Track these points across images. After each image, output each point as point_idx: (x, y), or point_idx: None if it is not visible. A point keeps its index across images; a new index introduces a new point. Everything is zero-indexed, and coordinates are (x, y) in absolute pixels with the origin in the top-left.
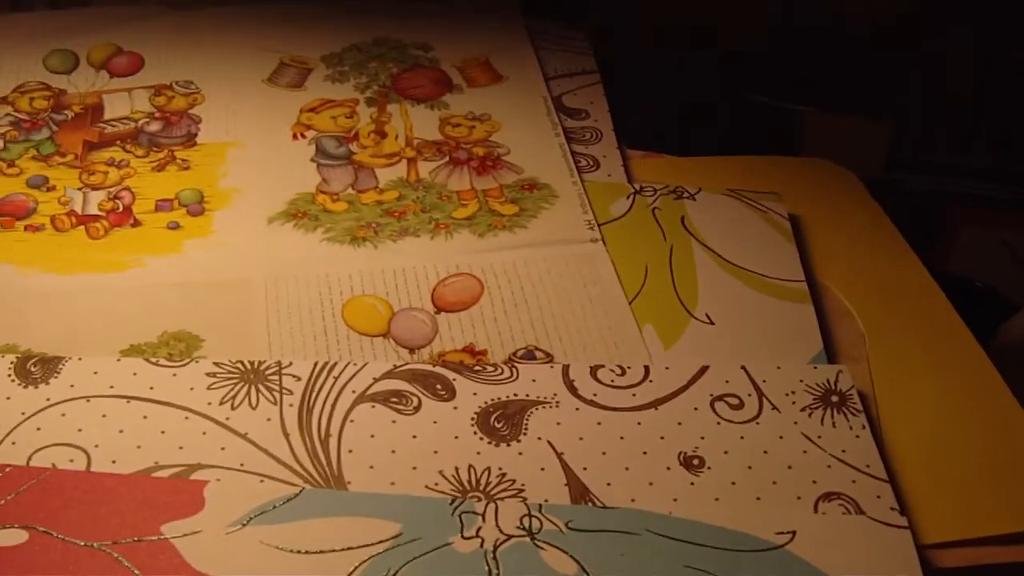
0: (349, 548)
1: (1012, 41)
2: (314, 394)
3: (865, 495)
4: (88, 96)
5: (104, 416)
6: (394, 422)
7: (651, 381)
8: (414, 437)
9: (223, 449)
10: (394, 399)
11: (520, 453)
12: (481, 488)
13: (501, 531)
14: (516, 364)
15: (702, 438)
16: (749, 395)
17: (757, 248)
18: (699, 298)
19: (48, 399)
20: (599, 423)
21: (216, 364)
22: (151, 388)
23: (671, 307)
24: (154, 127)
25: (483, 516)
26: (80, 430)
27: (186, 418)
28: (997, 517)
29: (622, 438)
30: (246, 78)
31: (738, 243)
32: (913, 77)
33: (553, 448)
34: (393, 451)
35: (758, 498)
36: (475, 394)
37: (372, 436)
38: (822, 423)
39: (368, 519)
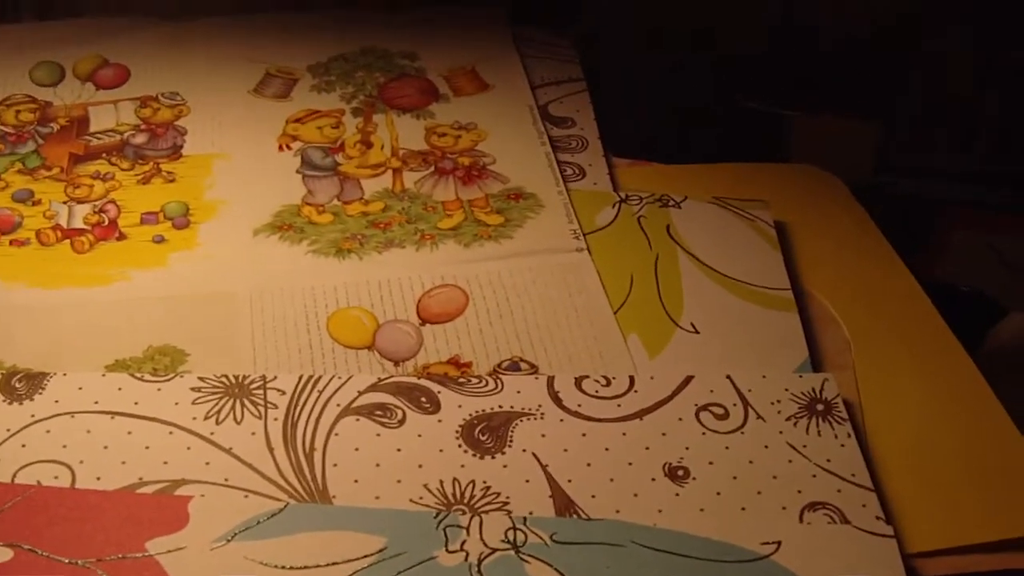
0: (334, 563)
1: (1007, 41)
2: (298, 408)
3: (850, 504)
4: (74, 108)
5: (89, 432)
6: (379, 435)
7: (636, 391)
8: (399, 450)
9: (208, 464)
10: (379, 412)
11: (505, 466)
12: (466, 501)
13: (486, 544)
14: (501, 376)
15: (687, 448)
16: (734, 405)
17: (743, 256)
18: (684, 307)
19: (33, 415)
20: (584, 434)
21: (201, 379)
22: (136, 403)
23: (656, 316)
24: (140, 139)
25: (467, 529)
26: (65, 446)
27: (170, 433)
28: (983, 525)
29: (607, 449)
30: (232, 89)
31: (724, 251)
32: (903, 80)
33: (538, 460)
34: (378, 465)
35: (743, 508)
36: (460, 406)
37: (357, 450)
38: (807, 432)
39: (353, 533)
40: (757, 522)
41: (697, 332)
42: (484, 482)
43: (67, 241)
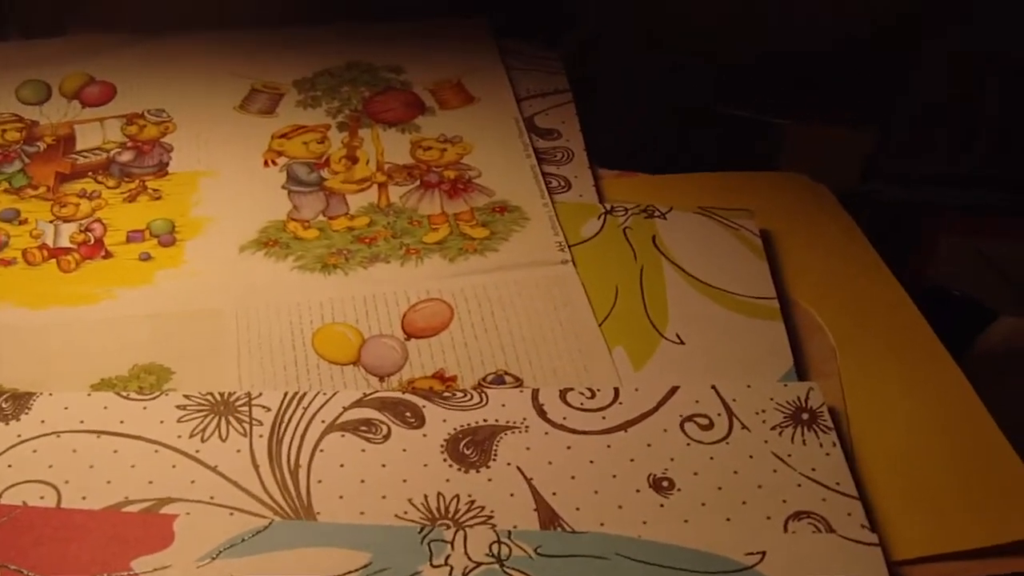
0: None
1: (996, 45)
2: (283, 425)
3: (835, 513)
4: (60, 127)
5: (75, 451)
6: (363, 451)
7: (621, 403)
8: (383, 466)
9: (193, 482)
10: (363, 428)
11: (489, 479)
12: (450, 516)
13: (470, 559)
14: (485, 389)
15: (672, 460)
16: (719, 415)
17: (728, 266)
18: (669, 318)
19: (19, 435)
20: (568, 447)
21: (186, 396)
22: (121, 422)
23: (641, 328)
24: (126, 157)
25: (452, 544)
26: (51, 466)
27: (156, 451)
28: (969, 531)
29: (591, 462)
30: (218, 105)
31: (709, 261)
32: (891, 87)
33: (522, 473)
34: (362, 481)
35: (728, 519)
36: (444, 420)
37: (341, 466)
38: (792, 441)
39: (338, 549)
40: (742, 532)
41: (682, 343)
42: (469, 496)
43: (53, 260)
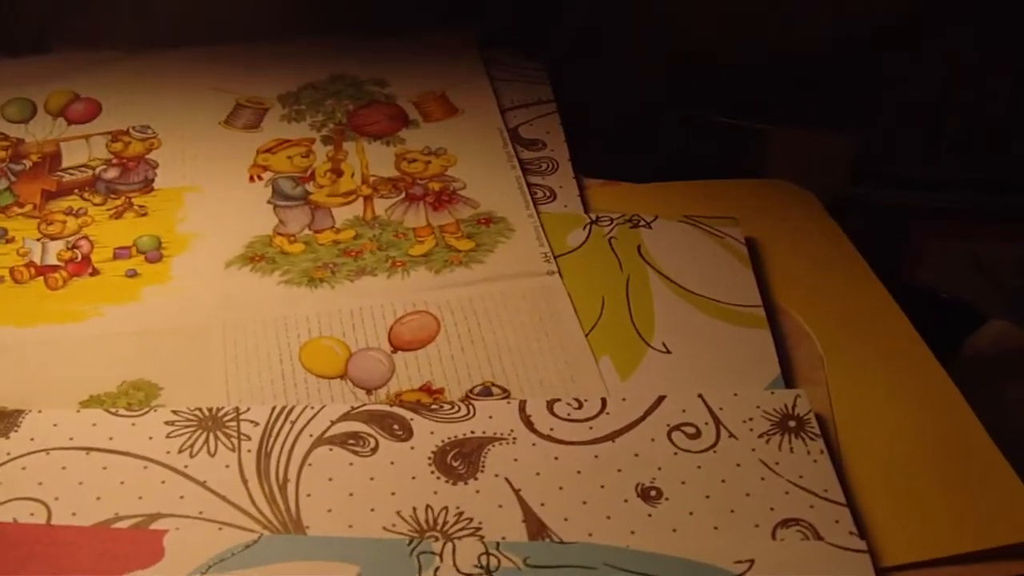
0: None
1: (977, 50)
2: (272, 439)
3: (823, 520)
4: (46, 144)
5: (64, 468)
6: (351, 464)
7: (608, 413)
8: (371, 479)
9: (182, 498)
10: (351, 441)
11: (477, 491)
12: (439, 528)
13: (459, 571)
14: (473, 401)
15: (659, 469)
16: (706, 423)
17: (713, 274)
18: (656, 327)
19: (8, 453)
20: (556, 458)
21: (174, 412)
22: (110, 438)
23: (628, 338)
24: (111, 174)
25: (441, 556)
26: (40, 483)
27: (145, 467)
28: (958, 536)
29: (579, 472)
30: (202, 121)
31: (694, 270)
32: (877, 91)
33: (510, 485)
34: (351, 494)
35: (716, 527)
36: (432, 433)
37: (330, 479)
38: (780, 449)
39: (326, 563)
40: (730, 541)
41: (669, 352)
42: (457, 508)
43: (41, 278)
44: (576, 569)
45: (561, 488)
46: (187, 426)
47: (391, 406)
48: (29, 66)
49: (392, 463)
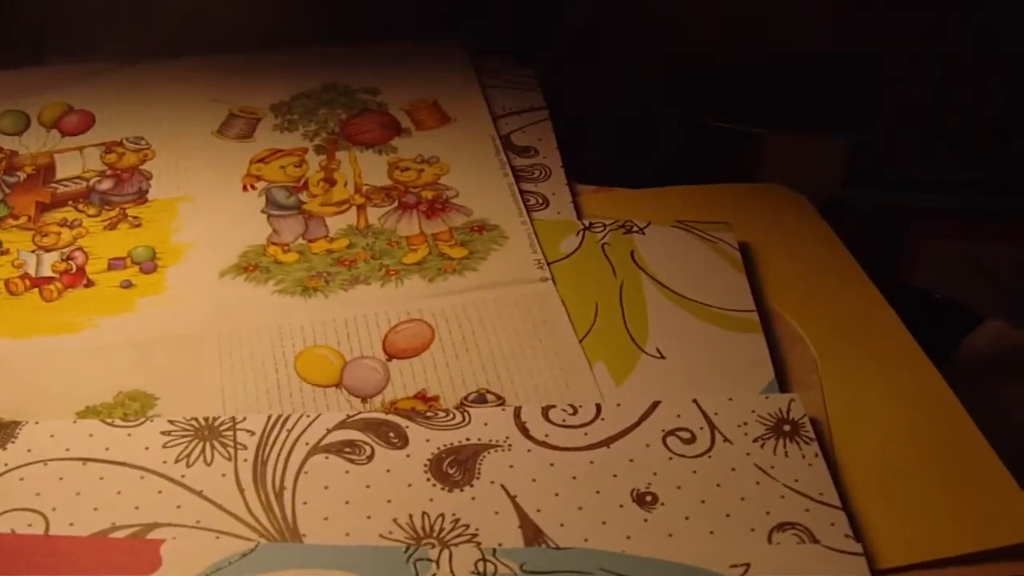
0: None
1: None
2: (268, 448)
3: (819, 523)
4: (40, 156)
5: (61, 479)
6: (347, 472)
7: (603, 419)
8: (368, 487)
9: (179, 507)
10: (347, 449)
11: (473, 498)
12: (435, 534)
13: None
14: (468, 408)
15: (655, 474)
16: (701, 428)
17: (707, 279)
18: (649, 333)
19: (6, 464)
20: (552, 464)
21: (171, 422)
22: (107, 449)
23: (622, 343)
24: (105, 185)
25: (437, 563)
26: (38, 494)
27: (142, 477)
28: (953, 537)
29: (574, 478)
30: (196, 131)
31: (688, 275)
32: (873, 93)
33: (506, 491)
34: (347, 502)
35: (712, 532)
36: (428, 440)
37: (326, 487)
38: (774, 453)
39: (324, 571)
40: (726, 545)
41: (663, 357)
42: (453, 515)
43: (36, 289)
44: (573, 574)
45: (557, 494)
46: (183, 436)
47: (386, 414)
48: (22, 78)
49: (388, 471)
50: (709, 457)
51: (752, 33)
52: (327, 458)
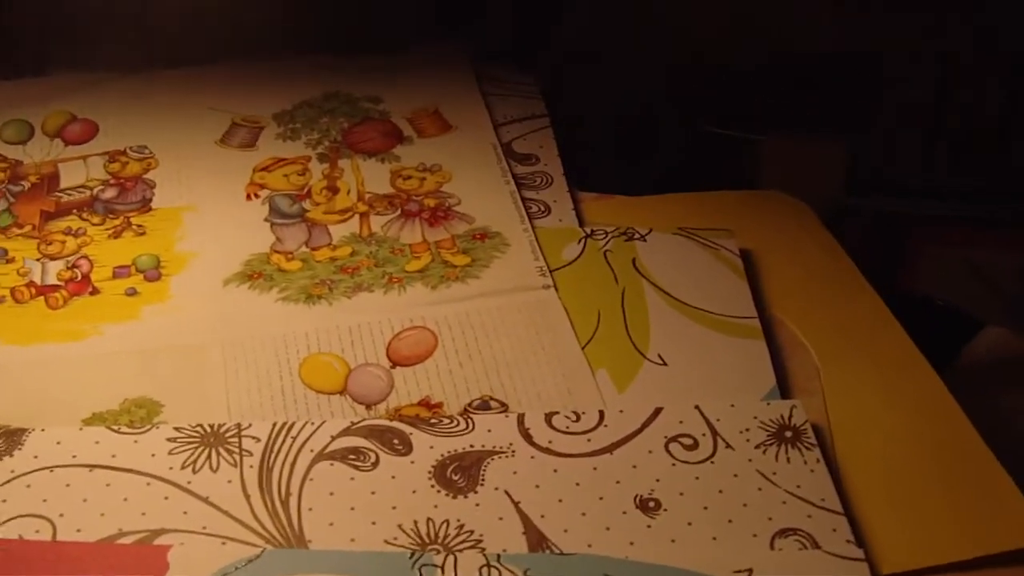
0: None
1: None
2: (273, 455)
3: (821, 529)
4: (44, 166)
5: (68, 486)
6: (353, 479)
7: (606, 426)
8: (373, 493)
9: (185, 513)
10: (352, 456)
11: (477, 504)
12: (440, 540)
13: None
14: (471, 415)
15: (657, 480)
16: (703, 435)
17: (709, 286)
18: (651, 339)
19: (13, 471)
20: (555, 470)
21: (176, 429)
22: (113, 456)
23: (624, 350)
24: (109, 194)
25: (442, 568)
26: (45, 500)
27: (148, 484)
28: (955, 543)
29: (578, 484)
30: (199, 140)
31: (690, 282)
32: (873, 99)
33: (510, 497)
34: (352, 508)
35: (714, 538)
36: (432, 447)
37: (331, 494)
38: (776, 459)
39: None
40: (729, 551)
41: (665, 364)
42: (458, 521)
43: (41, 297)
44: None
45: (560, 500)
46: (189, 443)
47: (391, 421)
48: (26, 88)
49: (393, 477)
50: (711, 463)
51: (751, 34)
52: (332, 465)
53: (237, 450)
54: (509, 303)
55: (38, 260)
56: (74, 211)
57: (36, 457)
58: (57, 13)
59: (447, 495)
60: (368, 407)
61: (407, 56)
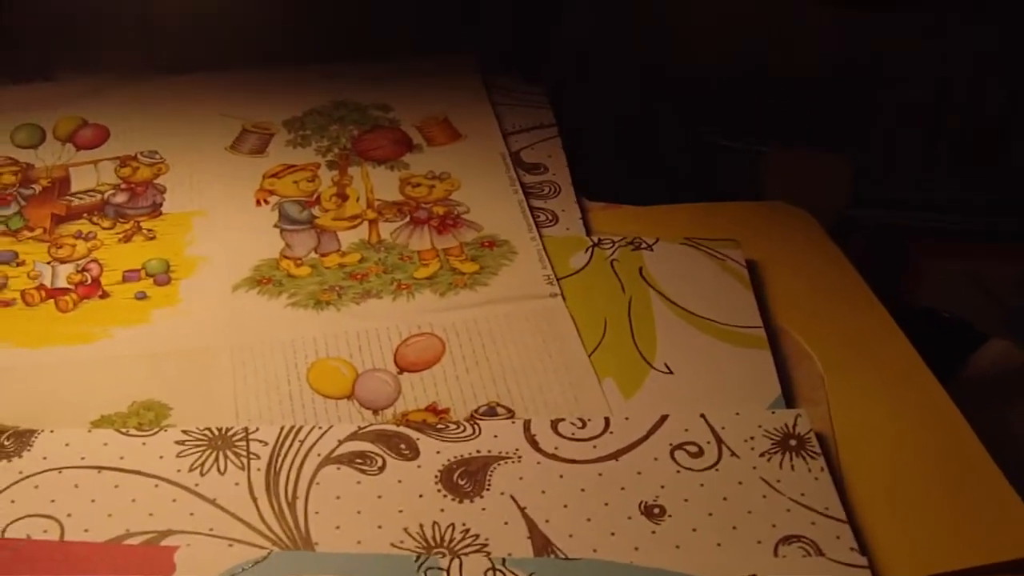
0: None
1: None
2: (280, 458)
3: (824, 537)
4: (55, 170)
5: (76, 486)
6: (359, 483)
7: (611, 432)
8: (379, 497)
9: (192, 515)
10: (359, 460)
11: (483, 509)
12: (445, 544)
13: None
14: (478, 421)
15: (662, 487)
16: (708, 442)
17: (715, 296)
18: (658, 348)
19: (21, 472)
20: (561, 476)
21: (184, 432)
22: (121, 458)
23: (630, 359)
24: (120, 198)
25: (448, 572)
26: (53, 501)
27: (156, 486)
28: (958, 553)
29: (583, 490)
30: (209, 146)
31: (696, 292)
32: (877, 112)
33: (516, 502)
34: (359, 511)
35: (719, 544)
36: (438, 452)
37: (338, 497)
38: (781, 467)
39: None
40: (732, 557)
41: (671, 372)
42: (463, 525)
43: (51, 301)
44: None
45: (566, 506)
46: (197, 445)
47: (398, 426)
48: (38, 92)
49: (399, 481)
50: (716, 471)
51: (757, 42)
52: (339, 469)
53: (245, 453)
54: (517, 311)
55: (48, 263)
56: (85, 215)
57: (45, 458)
58: (58, 14)
59: (453, 499)
60: (375, 412)
61: (417, 65)
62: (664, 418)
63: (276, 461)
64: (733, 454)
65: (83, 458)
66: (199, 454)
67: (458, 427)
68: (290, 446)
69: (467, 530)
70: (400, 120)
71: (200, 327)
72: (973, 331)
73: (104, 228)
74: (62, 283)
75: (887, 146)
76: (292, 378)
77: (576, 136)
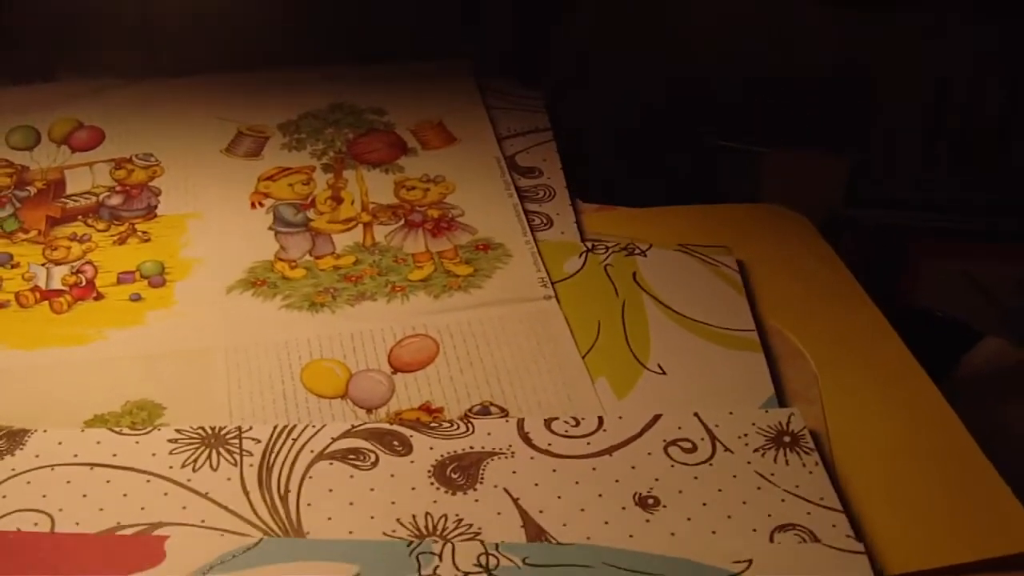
0: None
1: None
2: (273, 455)
3: (820, 524)
4: (50, 172)
5: (68, 482)
6: (352, 477)
7: (605, 430)
8: (372, 490)
9: (184, 508)
10: (352, 456)
11: (476, 500)
12: (439, 532)
13: (459, 569)
14: (471, 419)
15: (656, 480)
16: (702, 439)
17: (708, 301)
18: (651, 350)
19: (13, 469)
20: (554, 470)
21: (178, 431)
22: (114, 455)
23: (624, 359)
24: (115, 201)
25: (440, 556)
26: (44, 496)
27: (148, 481)
28: (951, 548)
29: (577, 483)
30: (204, 149)
31: (689, 296)
32: (872, 112)
33: (509, 494)
34: (351, 503)
35: (714, 532)
36: (431, 448)
37: (330, 490)
38: (775, 462)
39: (326, 563)
40: (728, 543)
41: (664, 373)
42: (456, 515)
43: (46, 302)
44: (575, 568)
45: (559, 497)
46: (190, 443)
47: (391, 424)
48: (33, 94)
49: (392, 475)
50: (710, 465)
51: (751, 42)
52: (332, 464)
53: (237, 450)
54: (511, 313)
55: (43, 265)
56: (79, 217)
57: (37, 456)
58: (59, 14)
59: (446, 492)
60: (369, 411)
61: (412, 68)
62: (658, 417)
63: (269, 457)
64: (727, 450)
65: (76, 456)
66: (192, 451)
67: (451, 425)
68: (283, 444)
69: (460, 520)
70: (395, 124)
71: (195, 329)
72: (968, 330)
73: (99, 230)
74: (57, 285)
75: (887, 146)
76: (286, 378)
77: (575, 136)
